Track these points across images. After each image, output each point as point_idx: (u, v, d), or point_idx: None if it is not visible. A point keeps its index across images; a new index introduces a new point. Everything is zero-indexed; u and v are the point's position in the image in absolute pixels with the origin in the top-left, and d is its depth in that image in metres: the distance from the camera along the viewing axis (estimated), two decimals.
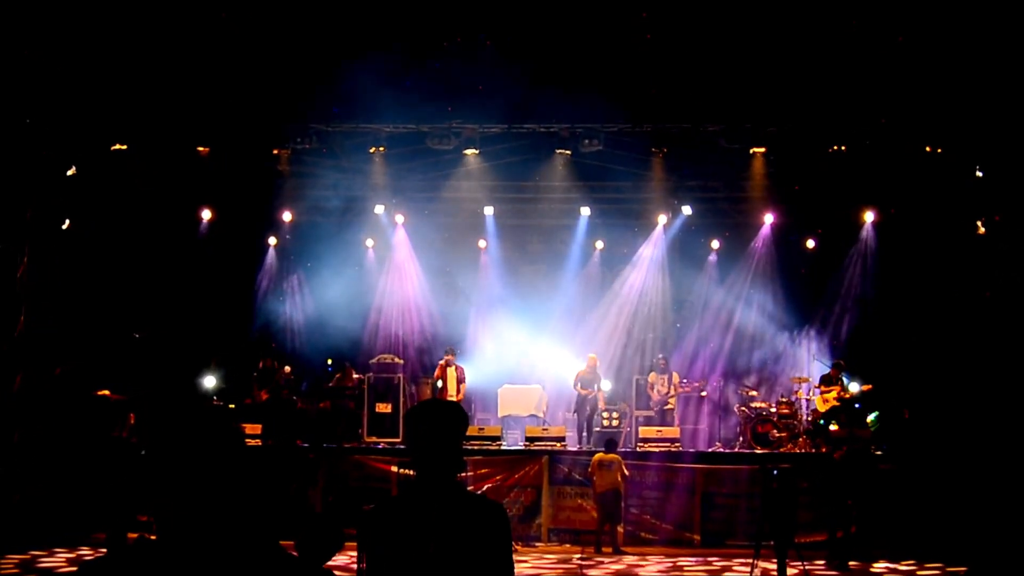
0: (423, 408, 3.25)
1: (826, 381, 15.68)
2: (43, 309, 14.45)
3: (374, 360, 16.67)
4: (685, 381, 16.60)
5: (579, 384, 15.86)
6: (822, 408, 15.44)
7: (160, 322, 17.03)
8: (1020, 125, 13.55)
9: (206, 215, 17.62)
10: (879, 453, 14.03)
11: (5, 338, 14.10)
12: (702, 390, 16.65)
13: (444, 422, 3.15)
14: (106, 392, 14.92)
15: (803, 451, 14.69)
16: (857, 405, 15.37)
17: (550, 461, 13.95)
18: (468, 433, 3.38)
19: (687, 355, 18.42)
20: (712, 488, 13.71)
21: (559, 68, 13.45)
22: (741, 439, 15.57)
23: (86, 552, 12.23)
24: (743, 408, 15.93)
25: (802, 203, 17.63)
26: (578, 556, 12.70)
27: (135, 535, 12.71)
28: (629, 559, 12.47)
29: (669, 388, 15.83)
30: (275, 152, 16.20)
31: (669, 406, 15.81)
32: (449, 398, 15.82)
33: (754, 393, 16.40)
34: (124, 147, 15.62)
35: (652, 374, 16.31)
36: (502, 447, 14.76)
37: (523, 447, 14.73)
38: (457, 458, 3.16)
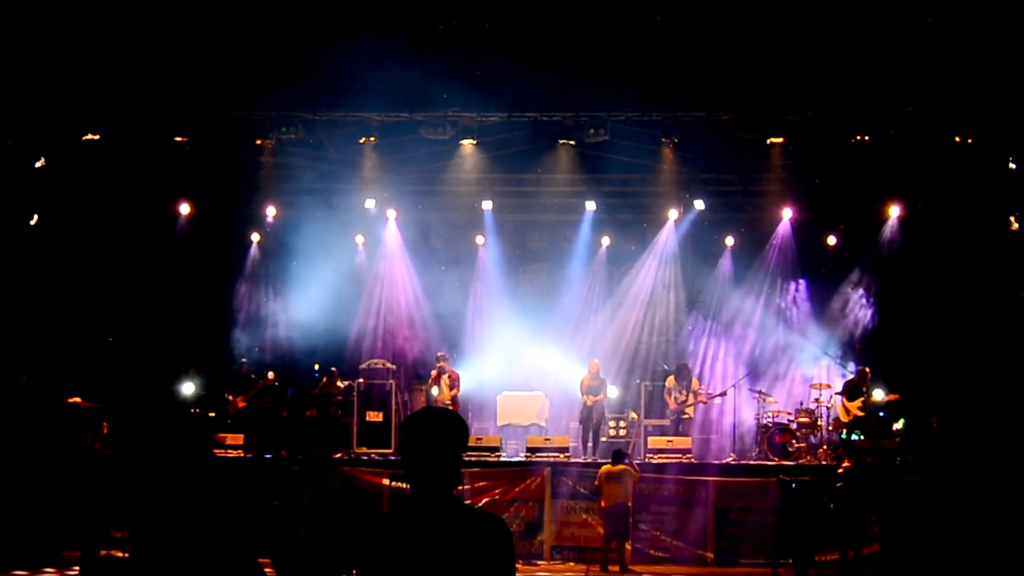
0: (420, 417, 3.23)
1: (850, 390, 15.63)
2: (9, 311, 14.43)
3: (364, 365, 16.65)
4: (705, 390, 16.39)
5: (585, 392, 15.82)
6: (845, 419, 15.39)
7: (135, 325, 17.02)
8: None
9: (184, 210, 17.62)
10: (899, 462, 14.02)
11: None
12: (720, 395, 16.37)
13: (443, 433, 3.13)
14: (77, 400, 14.92)
15: (824, 463, 14.67)
16: (882, 414, 15.36)
17: (553, 473, 13.93)
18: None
19: (700, 360, 18.38)
20: (727, 503, 13.69)
21: (562, 52, 13.44)
22: (758, 450, 15.55)
23: (54, 573, 12.19)
24: (760, 417, 15.91)
25: (822, 197, 17.62)
26: (583, 575, 12.68)
27: (108, 552, 12.71)
28: None
29: (687, 396, 15.67)
30: (258, 143, 16.19)
31: (686, 415, 15.69)
32: (445, 406, 15.82)
33: (772, 400, 16.37)
34: (97, 137, 15.60)
35: (670, 379, 16.02)
36: (501, 458, 14.73)
37: (524, 458, 14.70)
38: (455, 471, 3.14)
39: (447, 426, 3.17)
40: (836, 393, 15.96)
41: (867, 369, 15.78)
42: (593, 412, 15.75)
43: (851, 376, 16.26)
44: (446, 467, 3.11)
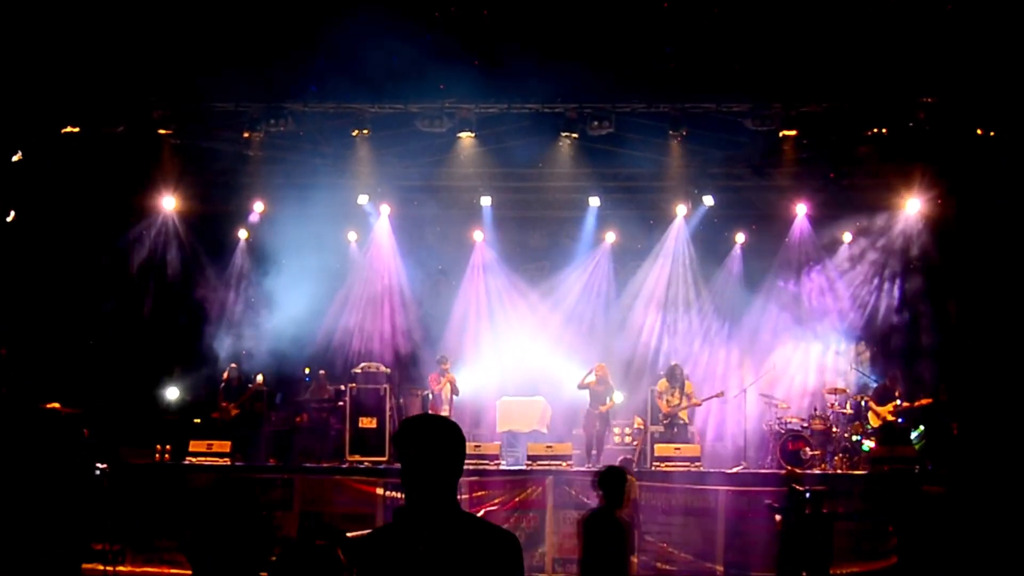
0: (417, 423, 3.24)
1: (881, 395, 15.65)
2: None
3: (357, 369, 16.62)
4: (696, 393, 16.31)
5: (591, 397, 15.81)
6: (876, 423, 15.44)
7: (117, 326, 17.02)
8: None
9: (169, 205, 17.60)
10: (918, 471, 14.05)
11: None
12: (716, 396, 16.27)
13: (441, 439, 3.14)
14: (56, 405, 14.90)
15: (839, 471, 14.68)
16: (900, 420, 15.38)
17: (555, 482, 13.94)
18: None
19: (709, 362, 18.37)
20: (737, 513, 13.69)
21: (565, 41, 13.42)
22: (770, 458, 15.55)
23: None
24: (772, 423, 15.90)
25: (838, 192, 17.61)
26: None
27: (90, 566, 12.75)
28: None
29: (681, 399, 15.64)
30: (246, 135, 16.16)
31: (681, 420, 15.67)
32: (443, 412, 15.83)
33: (784, 406, 16.36)
34: (76, 130, 15.59)
35: (662, 382, 15.94)
36: (501, 466, 14.75)
37: (524, 466, 14.72)
38: (454, 480, 3.15)
39: (446, 433, 3.18)
40: (861, 398, 15.98)
41: (898, 373, 15.78)
42: (598, 418, 15.75)
43: (873, 380, 16.29)
44: (445, 475, 3.11)
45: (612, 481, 7.22)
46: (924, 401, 15.43)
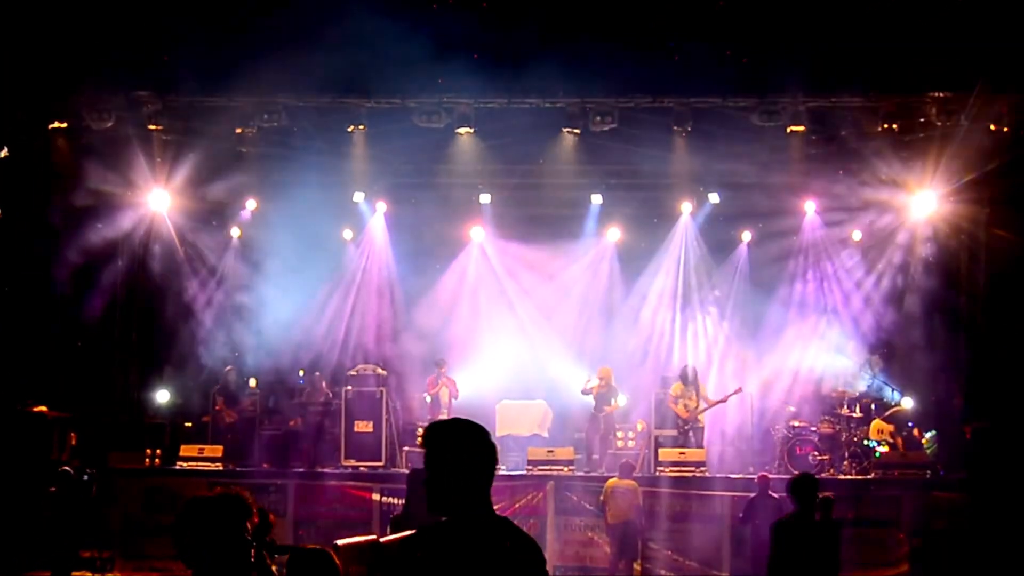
0: (451, 428, 3.21)
1: (895, 415, 15.71)
2: None
3: (353, 372, 16.58)
4: (707, 393, 16.28)
5: (595, 399, 15.78)
6: (875, 437, 15.45)
7: (106, 327, 16.99)
8: None
9: (159, 202, 17.55)
10: (930, 476, 14.04)
11: None
12: (735, 392, 16.20)
13: (474, 449, 3.12)
14: (43, 408, 14.89)
15: (849, 476, 14.66)
16: (911, 424, 15.37)
17: (556, 488, 13.93)
18: None
19: (714, 362, 18.34)
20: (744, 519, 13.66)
21: (566, 33, 13.41)
22: (777, 462, 15.52)
23: None
24: (779, 427, 15.88)
25: (847, 190, 17.58)
26: None
27: (80, 574, 12.73)
28: None
29: (699, 403, 15.54)
30: (238, 131, 16.14)
31: (700, 423, 15.58)
32: (441, 415, 15.81)
33: (791, 408, 16.35)
34: (64, 125, 15.57)
35: (677, 386, 15.77)
36: (500, 471, 14.68)
37: (525, 471, 14.72)
38: (487, 485, 3.14)
39: (477, 436, 3.16)
40: (872, 401, 15.99)
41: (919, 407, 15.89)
42: (601, 422, 15.72)
43: (883, 383, 16.31)
44: (482, 479, 3.10)
45: (804, 488, 7.91)
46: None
